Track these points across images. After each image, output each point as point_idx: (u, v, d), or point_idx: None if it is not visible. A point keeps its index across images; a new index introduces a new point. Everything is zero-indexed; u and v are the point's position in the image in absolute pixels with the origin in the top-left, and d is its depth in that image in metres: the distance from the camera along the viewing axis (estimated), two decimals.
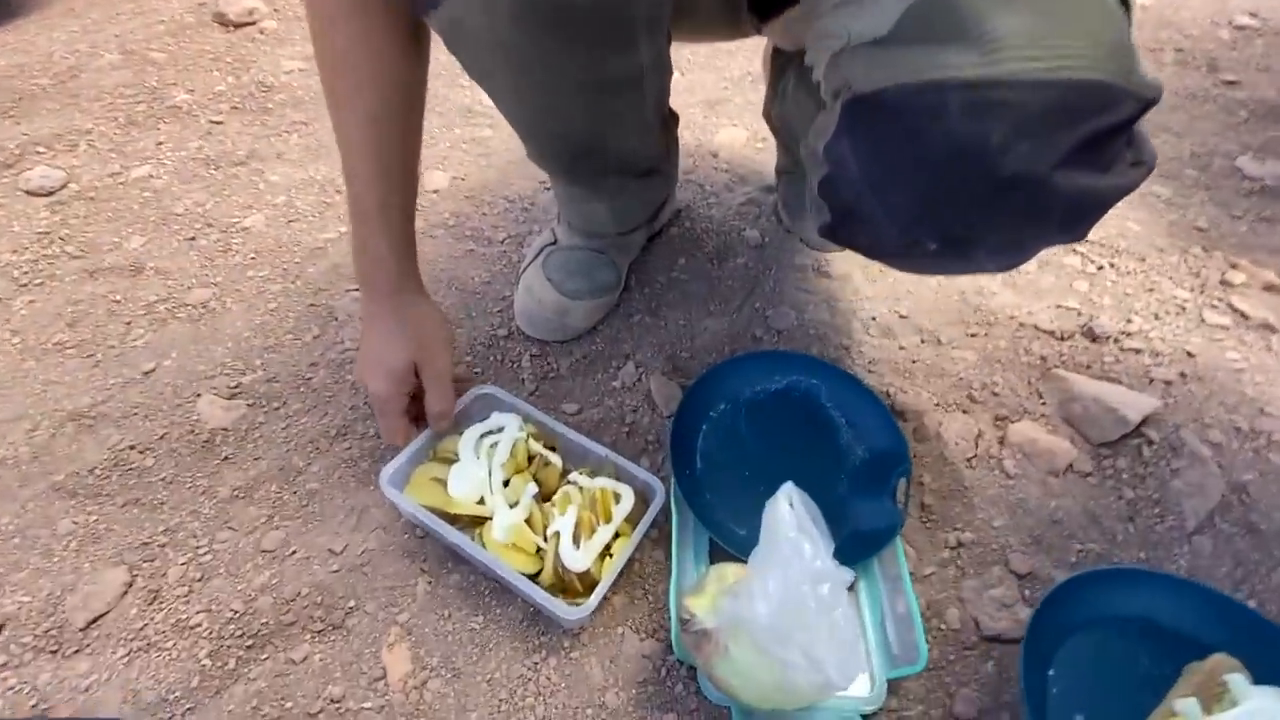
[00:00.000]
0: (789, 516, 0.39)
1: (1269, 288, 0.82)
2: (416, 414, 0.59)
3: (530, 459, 0.57)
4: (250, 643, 0.51)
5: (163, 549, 0.56)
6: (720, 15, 0.66)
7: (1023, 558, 0.57)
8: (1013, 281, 0.83)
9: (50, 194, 0.91)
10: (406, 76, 0.53)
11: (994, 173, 0.36)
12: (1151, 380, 0.71)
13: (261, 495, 0.60)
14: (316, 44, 0.51)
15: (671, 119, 0.73)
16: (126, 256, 0.82)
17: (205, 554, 0.56)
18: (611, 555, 0.52)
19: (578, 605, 0.48)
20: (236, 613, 0.52)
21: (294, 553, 0.56)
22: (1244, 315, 0.78)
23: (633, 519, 0.55)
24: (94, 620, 0.52)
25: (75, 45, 1.23)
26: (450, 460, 0.56)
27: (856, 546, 0.52)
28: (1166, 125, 1.12)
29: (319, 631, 0.52)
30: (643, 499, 0.56)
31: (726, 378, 0.64)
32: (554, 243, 0.76)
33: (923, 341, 0.75)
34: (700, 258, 0.84)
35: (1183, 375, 0.71)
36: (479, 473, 0.54)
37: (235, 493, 0.60)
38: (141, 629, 0.52)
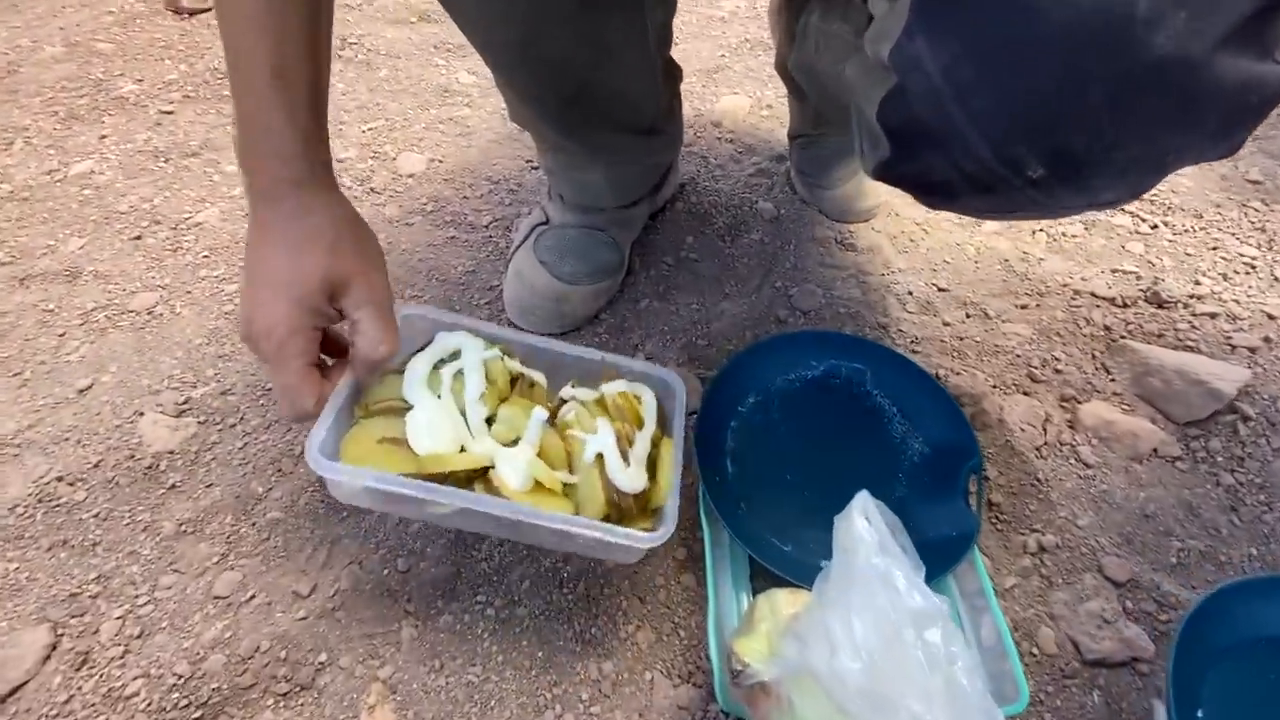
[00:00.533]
0: (869, 536, 0.30)
1: None
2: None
3: (513, 382, 0.46)
4: (199, 714, 0.42)
5: (94, 600, 0.47)
6: None
7: (1118, 562, 0.48)
8: (1058, 246, 0.75)
9: None
10: None
11: (1138, 54, 0.27)
12: (1234, 348, 0.62)
13: (214, 529, 0.51)
14: None
15: (675, 70, 0.64)
16: (62, 260, 0.72)
17: (145, 604, 0.47)
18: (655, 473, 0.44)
19: (650, 531, 0.40)
20: (181, 677, 0.43)
21: (252, 598, 0.47)
22: None
23: (661, 425, 0.47)
24: (10, 693, 0.43)
25: (16, 40, 1.12)
26: (396, 410, 0.41)
27: (927, 560, 0.43)
28: None
29: (283, 695, 0.43)
30: (661, 402, 0.48)
31: (755, 366, 0.55)
32: (545, 222, 0.67)
33: (969, 316, 0.66)
34: (710, 235, 0.75)
35: (1267, 340, 0.63)
36: (447, 416, 0.41)
37: (182, 527, 0.51)
38: (66, 702, 0.42)
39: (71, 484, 0.53)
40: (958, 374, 0.60)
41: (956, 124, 0.31)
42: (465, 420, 0.41)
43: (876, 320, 0.66)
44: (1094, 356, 0.63)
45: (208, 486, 0.53)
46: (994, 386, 0.60)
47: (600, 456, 0.42)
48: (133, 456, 0.55)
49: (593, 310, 0.66)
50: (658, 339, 0.64)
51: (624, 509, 0.41)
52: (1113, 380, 0.61)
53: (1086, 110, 0.29)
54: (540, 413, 0.43)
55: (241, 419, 0.58)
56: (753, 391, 0.55)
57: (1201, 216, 0.77)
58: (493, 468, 0.40)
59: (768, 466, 0.51)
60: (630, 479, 0.41)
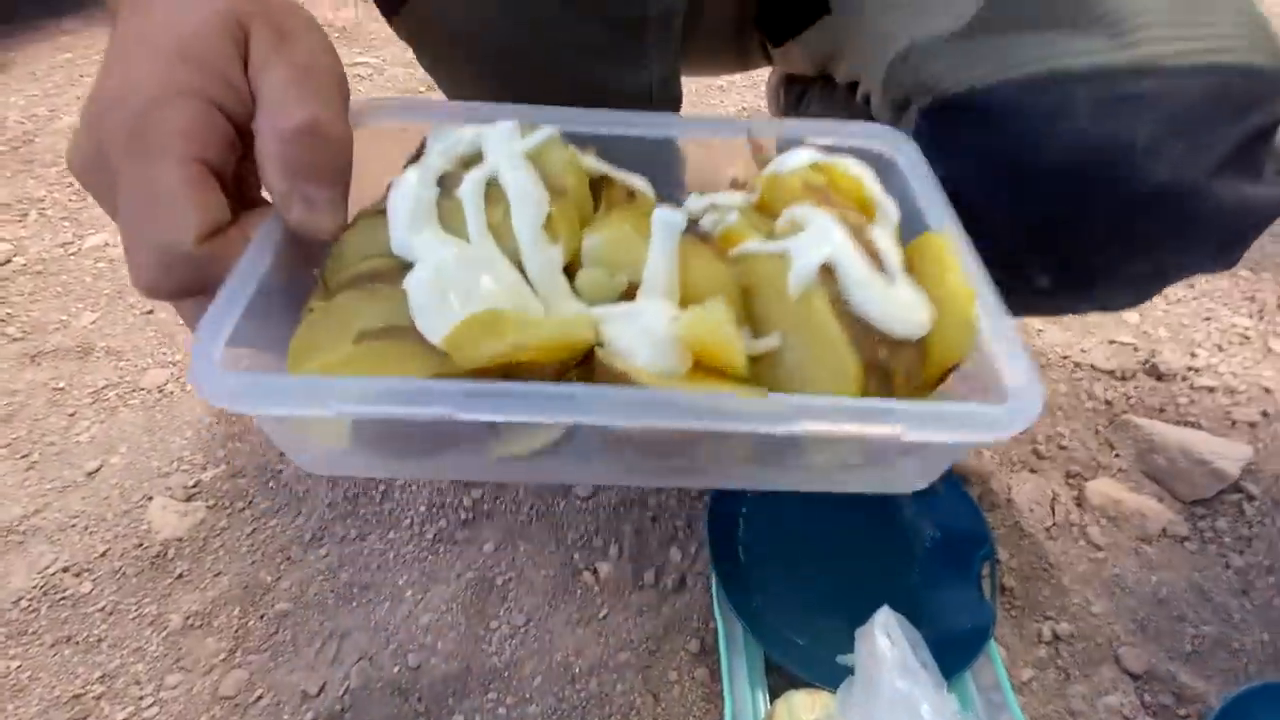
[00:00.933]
0: (890, 655, 0.30)
1: None
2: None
3: (595, 191, 0.27)
4: None
5: (98, 702, 0.46)
6: (725, 42, 0.60)
7: (1134, 652, 0.48)
8: (1055, 317, 0.76)
9: None
10: None
11: (1139, 182, 0.29)
12: (1234, 422, 0.63)
13: (221, 623, 0.50)
14: None
15: None
16: (74, 336, 0.73)
17: (150, 706, 0.46)
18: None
19: (992, 410, 0.21)
20: None
21: (259, 698, 0.46)
22: None
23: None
24: None
25: (33, 110, 1.16)
26: (382, 276, 0.23)
27: (944, 654, 0.43)
28: None
29: None
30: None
31: None
32: None
33: None
34: None
35: (1265, 414, 0.64)
36: (482, 266, 0.22)
37: (190, 621, 0.50)
38: None
39: (78, 575, 0.53)
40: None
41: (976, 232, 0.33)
42: (523, 274, 0.22)
43: None
44: (1098, 432, 0.63)
45: (215, 575, 0.53)
46: (1001, 464, 0.60)
47: (827, 273, 0.22)
48: (141, 544, 0.55)
49: None
50: None
51: (893, 375, 0.21)
52: (1117, 456, 0.61)
53: (1091, 232, 0.31)
54: (670, 216, 0.23)
55: (250, 503, 0.58)
56: None
57: (1194, 286, 0.79)
58: (598, 346, 0.21)
59: (780, 555, 0.51)
60: (904, 307, 0.22)
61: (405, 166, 0.25)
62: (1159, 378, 0.68)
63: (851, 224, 0.23)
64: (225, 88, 0.21)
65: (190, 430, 0.64)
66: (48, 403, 0.66)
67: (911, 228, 0.27)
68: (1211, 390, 0.66)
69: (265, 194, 0.25)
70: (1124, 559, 0.54)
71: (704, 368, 0.21)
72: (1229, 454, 0.57)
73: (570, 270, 0.24)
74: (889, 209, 0.26)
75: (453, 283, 0.20)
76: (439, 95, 0.50)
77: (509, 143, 0.24)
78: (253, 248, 0.22)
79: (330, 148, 0.22)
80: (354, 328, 0.21)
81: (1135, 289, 0.36)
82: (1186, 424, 0.63)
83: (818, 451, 0.23)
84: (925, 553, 0.51)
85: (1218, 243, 0.32)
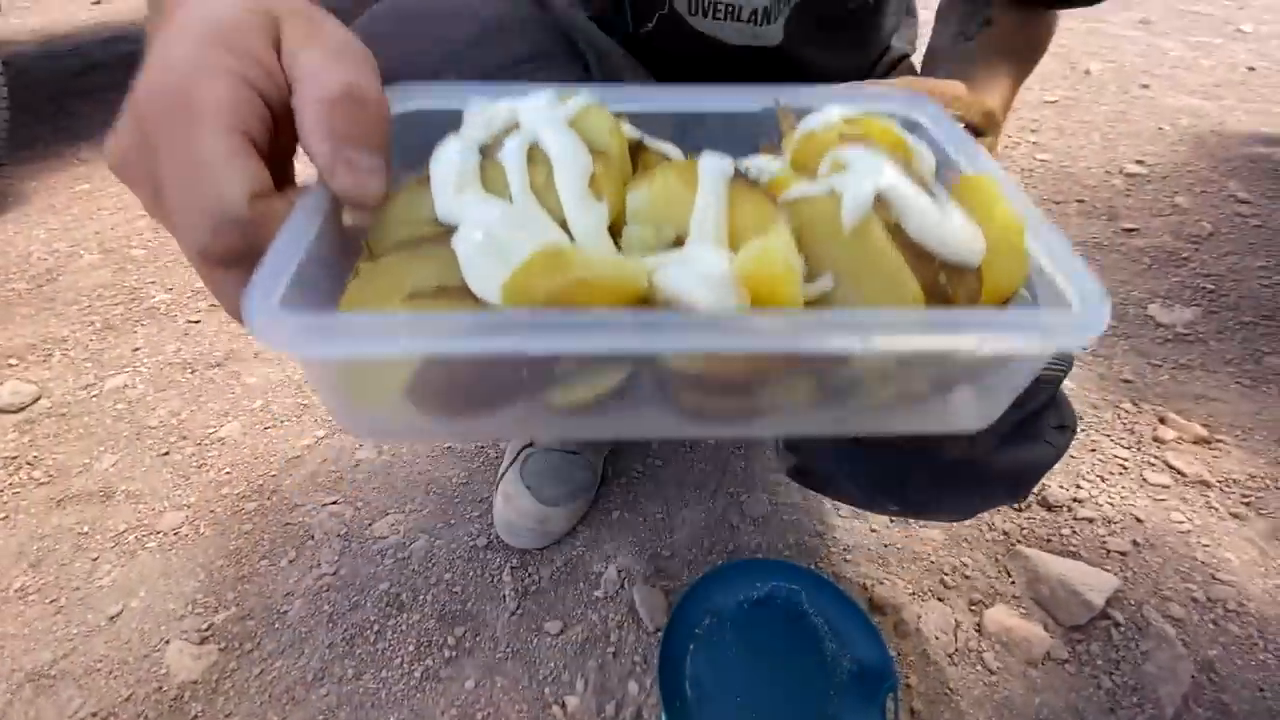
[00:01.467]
0: None
1: (1199, 441, 0.89)
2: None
3: (634, 155, 0.27)
4: None
5: None
6: None
7: None
8: None
9: (20, 410, 0.90)
10: None
11: (941, 458, 0.40)
12: (1108, 552, 0.74)
13: None
14: None
15: None
16: (97, 479, 0.81)
17: None
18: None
19: (1069, 315, 0.21)
20: None
21: None
22: (1180, 473, 0.84)
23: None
24: None
25: (55, 244, 1.27)
26: (430, 239, 0.23)
27: None
28: None
29: None
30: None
31: (710, 591, 0.65)
32: (530, 444, 0.78)
33: (892, 522, 0.78)
34: (672, 442, 0.88)
35: (1135, 544, 0.75)
36: (530, 222, 0.22)
37: None
38: None
39: None
40: (882, 584, 0.71)
41: (839, 479, 0.44)
42: (567, 231, 0.22)
43: (814, 527, 0.77)
44: (997, 560, 0.74)
45: (226, 717, 0.60)
46: (913, 594, 0.70)
47: (881, 204, 0.22)
48: (160, 689, 0.62)
49: (572, 524, 0.76)
50: (627, 551, 0.74)
51: (954, 299, 0.22)
52: (1013, 583, 0.72)
53: (916, 486, 0.42)
54: (718, 163, 0.24)
55: (258, 645, 0.65)
56: (708, 614, 0.64)
57: (1082, 419, 0.92)
58: (654, 294, 0.21)
59: (723, 687, 0.59)
60: (962, 234, 0.22)
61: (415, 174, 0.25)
62: (1049, 509, 0.79)
63: (898, 160, 0.23)
64: (260, 70, 0.22)
65: (203, 573, 0.72)
66: (73, 547, 0.74)
67: (946, 179, 0.26)
68: (1091, 521, 0.77)
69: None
70: (1014, 682, 0.63)
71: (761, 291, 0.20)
72: (1097, 585, 0.68)
73: (615, 231, 0.23)
74: (926, 154, 0.26)
75: (501, 239, 0.20)
76: None
77: (549, 109, 0.25)
78: (298, 213, 0.21)
79: (370, 112, 0.22)
80: (405, 287, 0.21)
81: (957, 515, 0.47)
82: (1069, 554, 0.74)
83: (882, 386, 0.23)
84: (841, 685, 0.60)
85: (1009, 489, 0.44)
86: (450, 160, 0.23)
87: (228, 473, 0.83)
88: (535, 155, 0.23)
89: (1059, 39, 1.91)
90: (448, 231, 0.22)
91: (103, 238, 1.28)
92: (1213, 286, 1.19)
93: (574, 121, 0.25)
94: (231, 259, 0.21)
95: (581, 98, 0.26)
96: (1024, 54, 0.52)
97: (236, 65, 0.21)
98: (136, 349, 1.01)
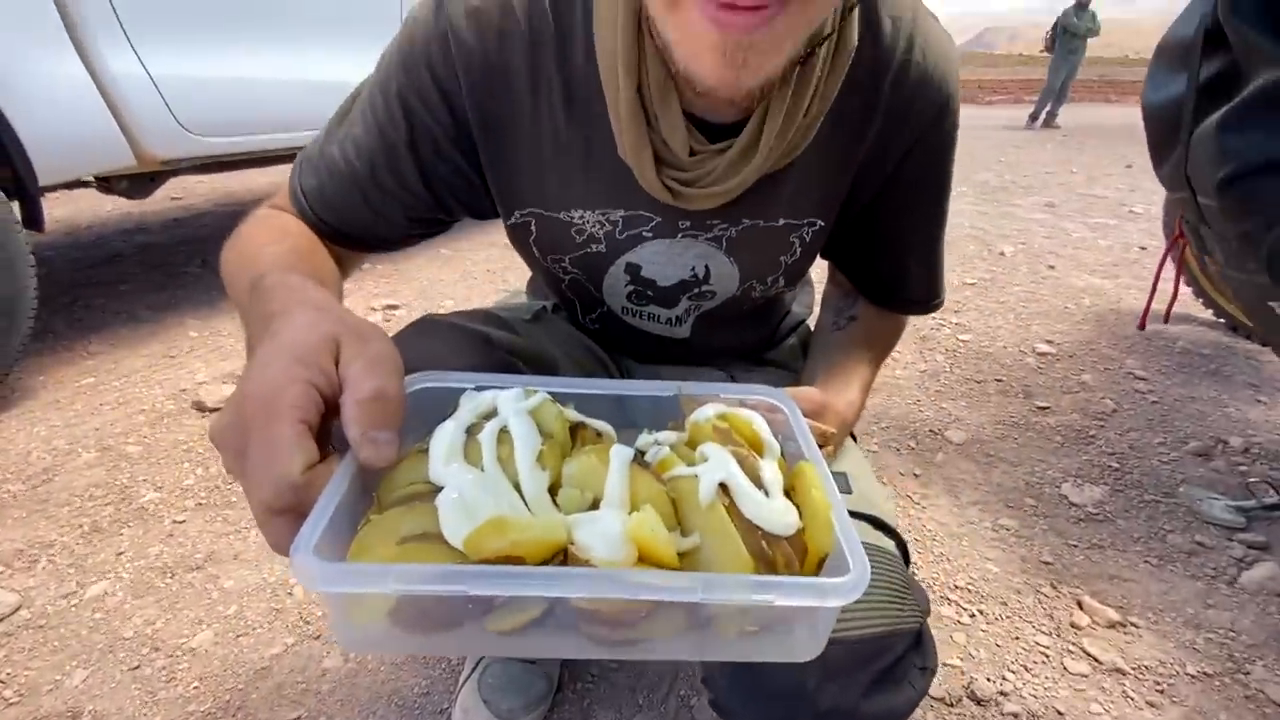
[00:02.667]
0: None
1: (1112, 625, 0.96)
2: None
3: (573, 435, 0.38)
4: None
5: None
6: None
7: None
8: None
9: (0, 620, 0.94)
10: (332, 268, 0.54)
11: (814, 707, 0.48)
12: None
13: None
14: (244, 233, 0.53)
15: None
16: (66, 698, 0.83)
17: None
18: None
19: (838, 580, 0.29)
20: None
21: None
22: (1097, 660, 0.91)
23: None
24: None
25: (54, 441, 1.35)
26: (422, 495, 0.32)
27: None
28: (1001, 454, 1.37)
29: None
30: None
31: None
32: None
33: None
34: None
35: None
36: (492, 489, 0.32)
37: None
38: None
39: None
40: None
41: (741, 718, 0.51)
42: (519, 494, 0.32)
43: None
44: None
45: None
46: None
47: (724, 489, 0.33)
48: None
49: None
50: None
51: (775, 563, 0.32)
52: None
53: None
54: (623, 451, 0.35)
55: None
56: None
57: (1006, 604, 1.00)
58: (570, 545, 0.31)
59: None
60: (777, 513, 0.32)
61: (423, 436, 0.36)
62: (978, 703, 0.84)
63: (742, 456, 0.35)
64: (324, 379, 0.31)
65: None
66: None
67: (792, 457, 0.39)
68: (1016, 716, 0.83)
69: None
70: None
71: (647, 560, 0.30)
72: None
73: (554, 490, 0.34)
74: (773, 445, 0.38)
75: (470, 500, 0.30)
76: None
77: (515, 402, 0.37)
78: (334, 479, 0.30)
79: (390, 407, 0.32)
80: (398, 533, 0.30)
81: None
82: None
83: (728, 620, 0.32)
84: None
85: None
86: (444, 437, 0.34)
87: (196, 687, 0.85)
88: (504, 436, 0.34)
89: (977, 224, 2.26)
90: (435, 490, 0.31)
91: (101, 434, 1.37)
92: (1117, 465, 1.33)
93: (533, 411, 0.37)
94: (285, 511, 0.29)
95: (539, 395, 0.38)
96: (883, 341, 0.68)
97: (306, 375, 0.31)
98: (120, 553, 1.06)
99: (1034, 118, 8.59)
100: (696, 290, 0.61)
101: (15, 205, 1.45)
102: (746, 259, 0.58)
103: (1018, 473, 1.31)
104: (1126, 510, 1.20)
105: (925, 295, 0.66)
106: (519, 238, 0.60)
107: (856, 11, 0.48)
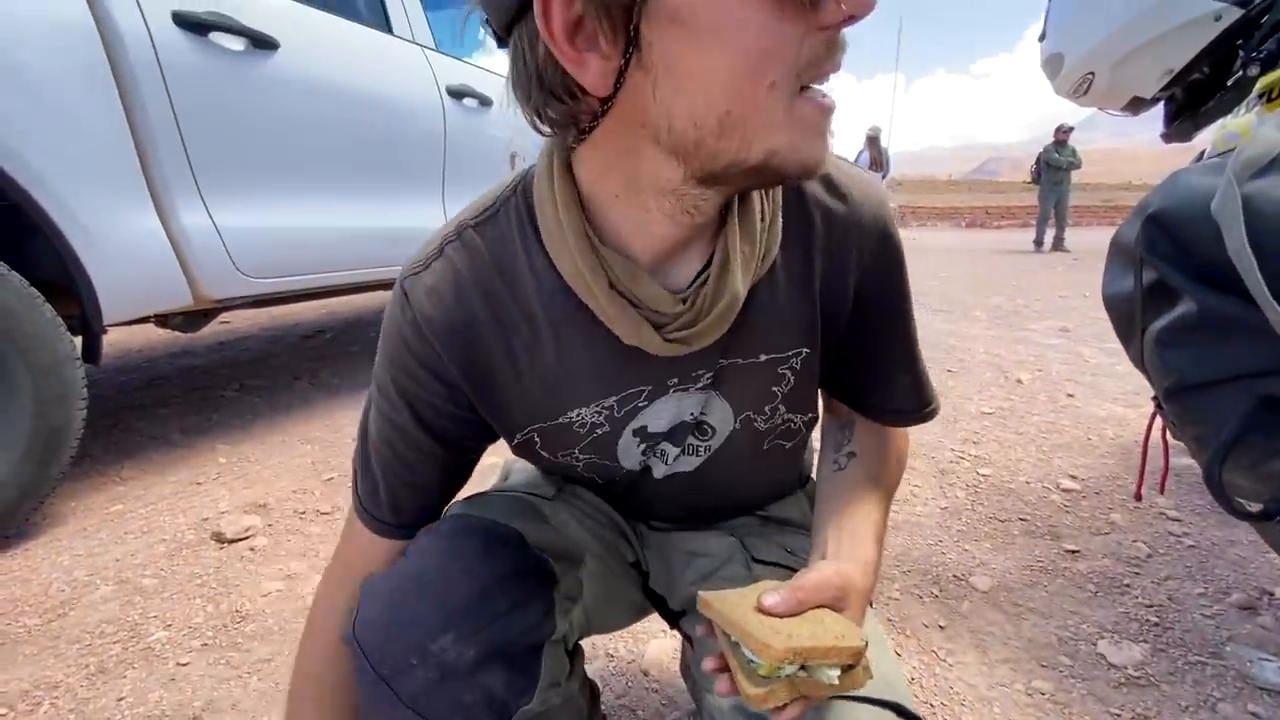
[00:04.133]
0: None
1: None
2: None
3: None
4: None
5: None
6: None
7: None
8: None
9: None
10: None
11: None
12: None
13: None
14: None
15: (591, 700, 0.84)
16: None
17: None
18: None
19: None
20: None
21: None
22: None
23: None
24: None
25: (75, 572, 1.37)
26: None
27: None
28: (1031, 604, 1.31)
29: None
30: None
31: None
32: None
33: None
34: None
35: None
36: None
37: None
38: None
39: None
40: None
41: None
42: None
43: None
44: None
45: None
46: None
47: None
48: None
49: None
50: None
51: None
52: None
53: None
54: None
55: None
56: None
57: None
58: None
59: None
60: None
61: None
62: None
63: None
64: None
65: None
66: None
67: None
68: None
69: None
70: None
71: None
72: None
73: None
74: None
75: None
76: None
77: None
78: None
79: None
80: None
81: None
82: None
83: None
84: None
85: None
86: None
87: None
88: None
89: (992, 349, 2.28)
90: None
91: (120, 565, 1.39)
92: (1156, 619, 1.26)
93: None
94: None
95: None
96: (888, 473, 0.68)
97: None
98: (121, 698, 1.04)
99: (1038, 243, 8.89)
100: (695, 426, 0.64)
101: (78, 341, 1.58)
102: (736, 394, 0.62)
103: (1049, 626, 1.24)
104: (1171, 674, 1.12)
105: (915, 405, 0.68)
106: (526, 450, 0.65)
107: None
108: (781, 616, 0.45)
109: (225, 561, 1.41)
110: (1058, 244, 8.73)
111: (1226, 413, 0.51)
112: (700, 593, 0.46)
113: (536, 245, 0.53)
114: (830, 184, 0.58)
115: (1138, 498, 0.87)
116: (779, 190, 0.55)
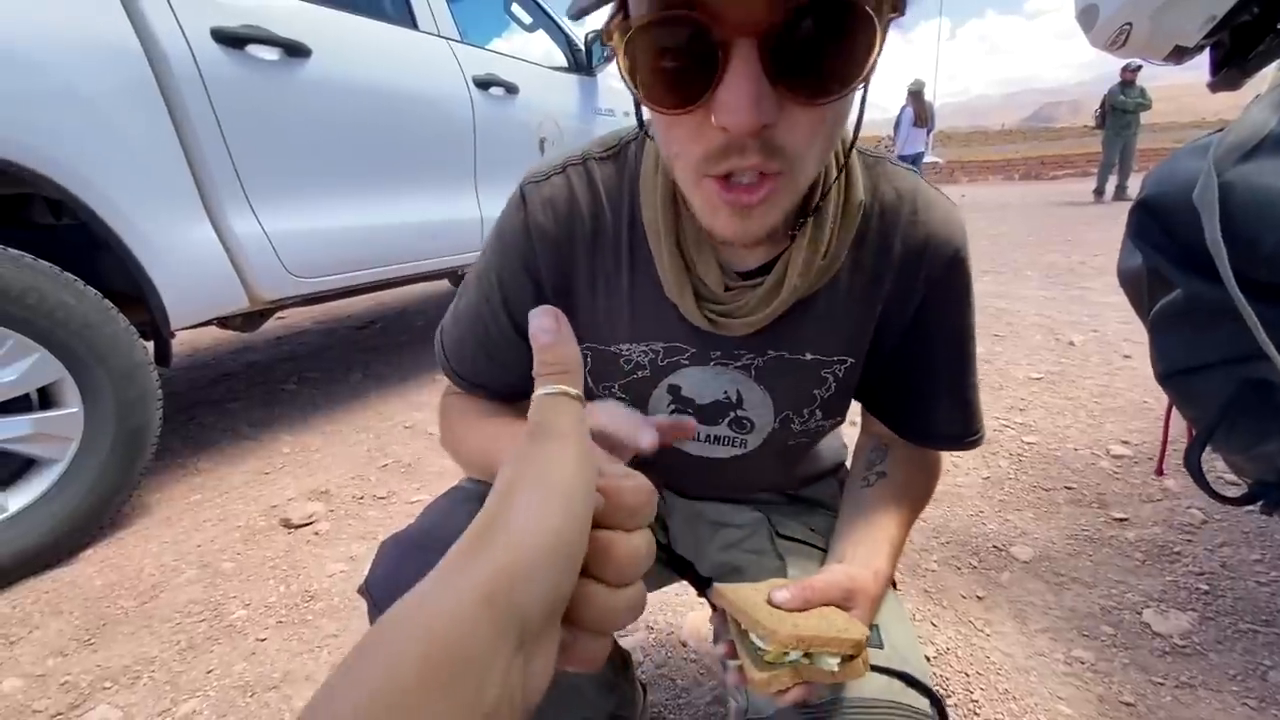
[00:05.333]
0: None
1: None
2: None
3: None
4: None
5: None
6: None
7: None
8: None
9: None
10: None
11: None
12: None
13: None
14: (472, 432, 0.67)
15: (623, 666, 0.89)
16: None
17: None
18: None
19: None
20: None
21: None
22: None
23: None
24: None
25: (163, 558, 1.51)
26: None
27: None
28: (1075, 574, 1.30)
29: None
30: None
31: None
32: None
33: None
34: None
35: None
36: None
37: None
38: None
39: None
40: None
41: None
42: None
43: None
44: None
45: None
46: None
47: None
48: None
49: None
50: None
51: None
52: None
53: None
54: None
55: None
56: None
57: None
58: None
59: None
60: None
61: None
62: None
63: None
64: None
65: None
66: None
67: None
68: None
69: None
70: None
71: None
72: None
73: None
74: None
75: None
76: None
77: None
78: None
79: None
80: None
81: None
82: None
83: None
84: None
85: None
86: None
87: None
88: None
89: (1044, 310, 2.23)
90: None
91: (202, 551, 1.52)
92: (1207, 587, 1.23)
93: None
94: None
95: None
96: (913, 497, 0.69)
97: None
98: (210, 670, 1.16)
99: (1099, 192, 8.39)
100: (733, 415, 0.66)
101: (150, 345, 1.71)
102: (778, 388, 0.64)
103: (1093, 595, 1.23)
104: (1219, 641, 1.10)
105: (958, 432, 0.68)
106: None
107: (859, 169, 0.57)
108: (790, 612, 0.48)
109: (294, 545, 1.52)
110: (1120, 193, 8.22)
111: (1215, 395, 0.50)
112: (715, 584, 0.49)
113: (636, 189, 0.60)
114: (914, 210, 0.59)
115: (1159, 473, 0.85)
116: (857, 207, 0.57)
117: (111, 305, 1.55)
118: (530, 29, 3.13)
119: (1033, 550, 1.37)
